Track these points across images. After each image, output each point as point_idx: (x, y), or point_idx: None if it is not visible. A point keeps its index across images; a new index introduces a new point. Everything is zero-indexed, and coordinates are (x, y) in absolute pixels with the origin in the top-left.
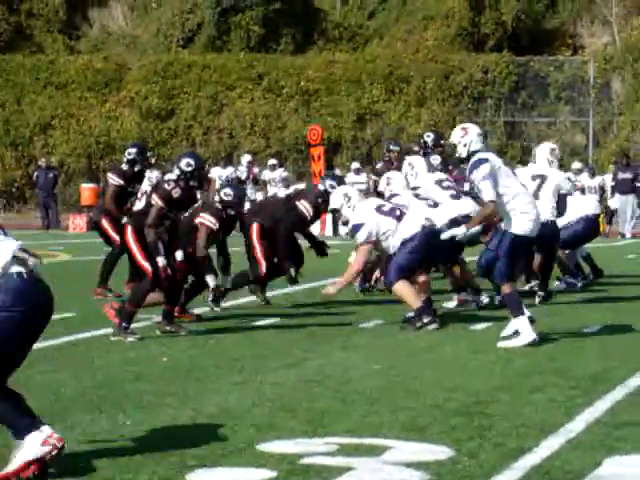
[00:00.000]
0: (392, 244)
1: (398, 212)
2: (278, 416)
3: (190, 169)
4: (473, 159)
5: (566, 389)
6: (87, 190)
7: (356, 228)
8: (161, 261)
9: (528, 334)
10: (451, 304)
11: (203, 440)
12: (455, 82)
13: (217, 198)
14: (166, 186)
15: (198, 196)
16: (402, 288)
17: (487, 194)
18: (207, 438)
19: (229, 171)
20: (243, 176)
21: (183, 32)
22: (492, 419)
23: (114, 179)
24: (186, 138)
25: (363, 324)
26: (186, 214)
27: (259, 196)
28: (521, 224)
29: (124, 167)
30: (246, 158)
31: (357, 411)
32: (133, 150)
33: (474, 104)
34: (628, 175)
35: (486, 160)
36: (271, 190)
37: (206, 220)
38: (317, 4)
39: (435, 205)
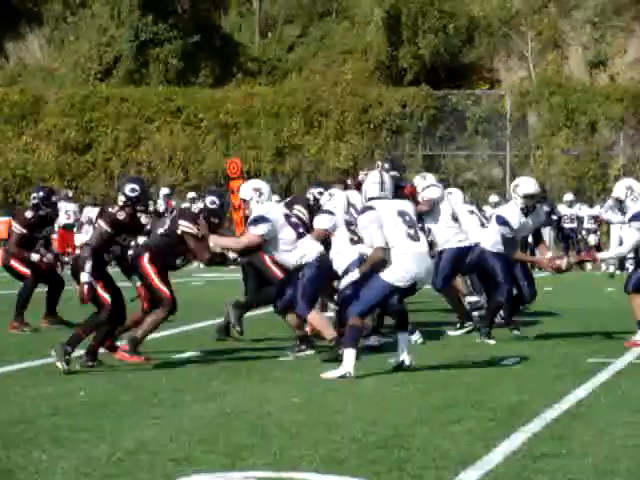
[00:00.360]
0: (280, 255)
1: (302, 229)
2: (196, 450)
3: (136, 194)
4: (362, 206)
5: (484, 421)
6: (3, 224)
7: (259, 220)
8: (85, 277)
9: (349, 366)
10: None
11: (120, 475)
12: (374, 116)
13: (201, 206)
14: (111, 210)
15: (143, 221)
16: (315, 318)
17: (375, 240)
18: (124, 473)
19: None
20: (161, 209)
21: (101, 65)
22: (411, 452)
23: (17, 227)
24: (104, 171)
25: (283, 357)
26: (162, 231)
27: None
28: (392, 273)
29: (28, 214)
30: (163, 191)
31: (276, 445)
32: (38, 195)
33: (393, 137)
34: (545, 208)
35: (371, 208)
36: None
37: (186, 227)
38: (236, 37)
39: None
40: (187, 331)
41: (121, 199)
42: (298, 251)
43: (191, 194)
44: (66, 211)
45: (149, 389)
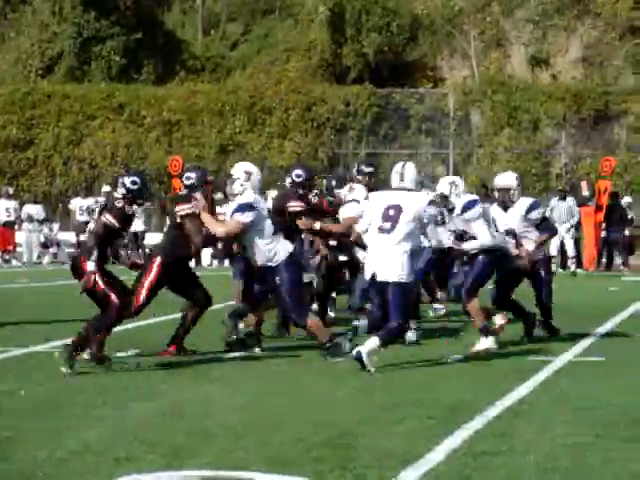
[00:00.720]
0: (254, 248)
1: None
2: (139, 450)
3: (137, 187)
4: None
5: (426, 420)
6: None
7: (246, 207)
8: (91, 266)
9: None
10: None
11: (62, 476)
12: (317, 113)
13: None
14: (117, 204)
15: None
16: (315, 323)
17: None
18: (67, 473)
19: (90, 201)
20: None
21: (42, 62)
22: (354, 451)
23: None
24: (46, 168)
25: (227, 356)
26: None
27: None
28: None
29: None
30: (105, 189)
31: (219, 444)
32: None
33: (336, 135)
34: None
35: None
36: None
37: (182, 210)
38: (179, 35)
39: None
40: (129, 329)
41: (121, 191)
42: (270, 248)
43: None
44: (7, 208)
45: (92, 389)
